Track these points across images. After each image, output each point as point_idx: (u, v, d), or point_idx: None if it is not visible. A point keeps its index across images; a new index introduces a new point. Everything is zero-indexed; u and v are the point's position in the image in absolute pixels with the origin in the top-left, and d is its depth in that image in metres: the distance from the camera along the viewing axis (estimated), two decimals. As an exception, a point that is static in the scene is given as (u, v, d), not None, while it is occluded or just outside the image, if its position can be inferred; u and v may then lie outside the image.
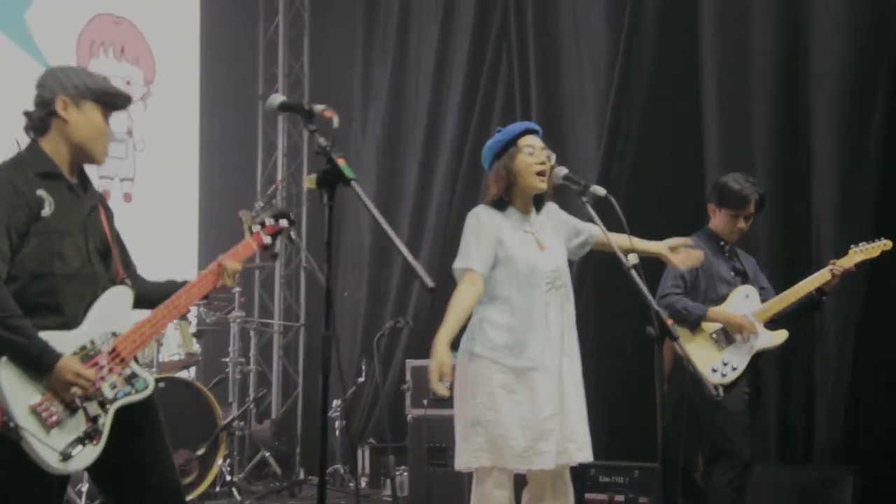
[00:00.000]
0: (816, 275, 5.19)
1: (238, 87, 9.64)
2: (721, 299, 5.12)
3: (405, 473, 6.65)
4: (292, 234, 3.74)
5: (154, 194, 8.55)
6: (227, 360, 7.55)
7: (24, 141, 6.34)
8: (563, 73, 7.81)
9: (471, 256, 4.13)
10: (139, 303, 3.53)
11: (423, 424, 6.40)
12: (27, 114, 3.42)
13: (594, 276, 6.72)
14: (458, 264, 4.19)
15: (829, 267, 5.18)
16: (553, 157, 4.16)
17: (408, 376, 6.82)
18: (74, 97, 3.37)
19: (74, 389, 3.17)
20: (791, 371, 6.38)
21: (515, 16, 8.11)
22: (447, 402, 6.38)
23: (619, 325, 6.55)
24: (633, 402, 6.40)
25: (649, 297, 3.74)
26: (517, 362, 4.07)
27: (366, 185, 8.91)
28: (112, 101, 3.46)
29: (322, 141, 3.07)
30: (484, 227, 4.16)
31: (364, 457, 7.64)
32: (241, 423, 7.28)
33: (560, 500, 4.18)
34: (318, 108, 3.15)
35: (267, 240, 3.64)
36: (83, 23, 8.55)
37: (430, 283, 3.09)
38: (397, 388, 7.25)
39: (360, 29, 9.43)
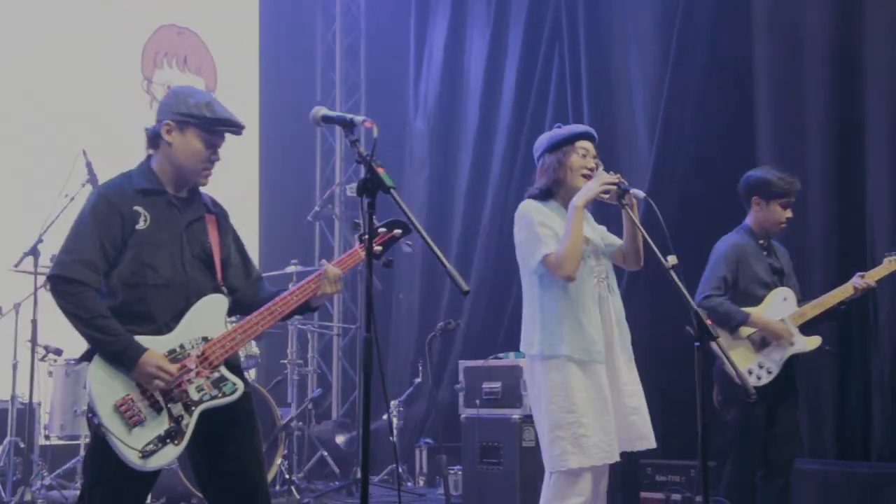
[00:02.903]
0: (840, 289, 5.19)
1: (296, 93, 9.79)
2: (759, 299, 5.14)
3: (459, 473, 6.63)
4: (409, 242, 3.73)
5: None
6: (286, 361, 7.66)
7: (91, 151, 6.42)
8: (613, 76, 7.82)
9: (543, 243, 4.08)
10: (247, 309, 3.62)
11: (475, 424, 6.39)
12: (145, 130, 3.58)
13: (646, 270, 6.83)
14: (534, 258, 4.12)
15: (853, 282, 5.15)
16: (601, 167, 4.17)
17: (461, 377, 6.79)
18: (179, 122, 3.49)
19: (157, 382, 3.25)
20: (848, 368, 6.34)
21: (567, 19, 8.12)
22: (499, 402, 6.40)
23: (676, 321, 6.55)
24: (689, 400, 6.42)
25: (688, 296, 3.74)
26: (584, 356, 4.06)
27: (419, 188, 9.01)
28: (215, 128, 3.54)
29: (361, 149, 3.13)
30: (541, 212, 4.16)
31: (422, 456, 7.71)
32: (300, 424, 7.38)
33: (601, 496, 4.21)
34: (358, 118, 3.20)
35: (378, 248, 3.65)
36: (148, 34, 8.75)
37: (465, 287, 3.10)
38: (453, 389, 7.21)
39: (413, 33, 9.54)
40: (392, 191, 3.09)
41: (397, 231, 3.68)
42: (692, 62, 7.23)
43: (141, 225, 3.42)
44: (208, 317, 3.49)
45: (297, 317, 7.02)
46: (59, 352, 6.77)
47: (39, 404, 6.79)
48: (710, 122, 7.11)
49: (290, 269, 7.46)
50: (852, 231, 6.43)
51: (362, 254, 3.57)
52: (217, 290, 3.56)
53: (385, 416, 7.94)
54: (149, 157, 3.57)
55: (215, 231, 3.60)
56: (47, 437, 6.89)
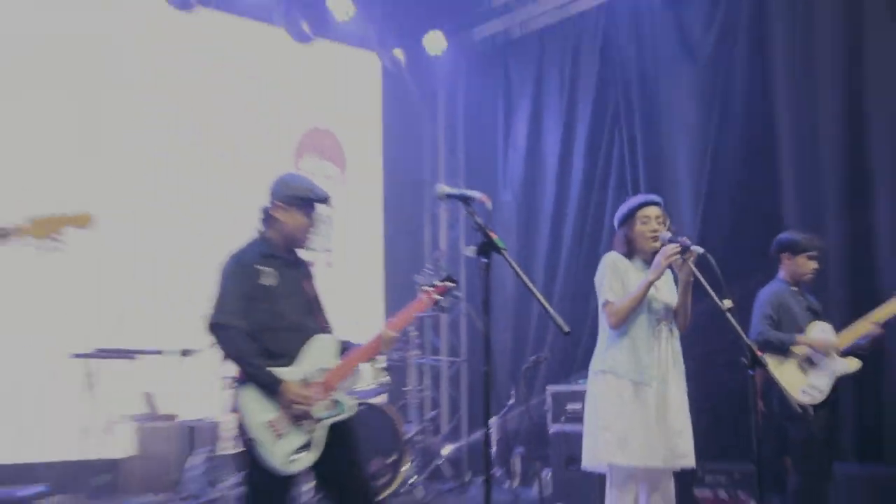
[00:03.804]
0: (856, 327, 5.08)
1: (410, 172, 9.81)
2: (801, 331, 5.06)
3: (548, 476, 6.60)
4: (456, 292, 3.87)
5: (348, 261, 8.72)
6: (407, 388, 7.65)
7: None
8: (664, 156, 7.82)
9: (610, 290, 4.12)
10: None
11: (561, 437, 6.42)
12: (260, 209, 3.69)
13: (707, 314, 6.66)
14: (600, 299, 4.14)
15: (866, 323, 5.07)
16: (668, 222, 4.17)
17: (548, 399, 6.80)
18: (284, 204, 3.60)
19: (298, 405, 3.35)
20: (864, 382, 6.12)
21: (625, 112, 8.16)
22: (581, 419, 6.39)
23: (727, 356, 6.39)
24: (733, 416, 6.37)
25: (742, 333, 3.73)
26: (637, 377, 4.04)
27: (507, 250, 8.91)
28: (314, 205, 3.65)
29: (479, 220, 3.16)
30: (618, 265, 4.18)
31: (516, 462, 7.62)
32: (421, 437, 7.39)
33: (666, 496, 4.12)
34: (476, 194, 3.23)
35: (437, 297, 3.74)
36: (298, 133, 8.93)
37: (566, 328, 3.11)
38: (540, 408, 7.26)
39: (500, 123, 9.51)
40: (503, 251, 3.10)
41: (449, 283, 3.76)
42: (729, 143, 7.28)
43: (270, 282, 3.50)
44: (324, 352, 3.54)
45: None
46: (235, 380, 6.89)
47: (220, 422, 6.77)
48: (744, 193, 7.13)
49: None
50: (863, 275, 6.38)
51: (427, 302, 3.72)
52: (326, 331, 3.63)
53: (485, 431, 7.91)
54: (261, 231, 3.66)
55: (312, 286, 3.71)
56: (230, 447, 6.64)
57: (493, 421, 7.64)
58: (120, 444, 6.67)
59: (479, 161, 9.75)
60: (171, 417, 6.98)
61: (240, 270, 3.53)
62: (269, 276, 3.53)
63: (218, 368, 6.23)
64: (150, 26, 7.92)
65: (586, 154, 8.52)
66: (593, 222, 8.33)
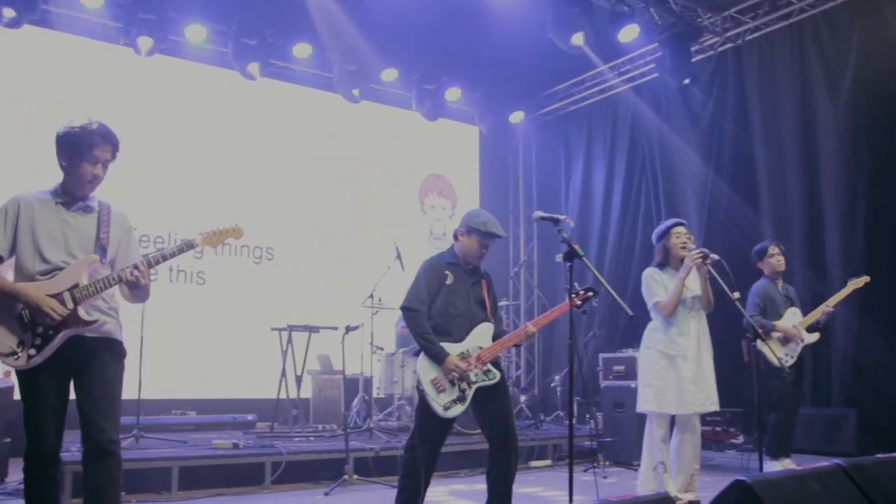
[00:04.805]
0: (816, 311, 5.17)
1: (500, 204, 9.91)
2: (780, 315, 5.16)
3: (600, 416, 6.62)
4: (595, 302, 3.61)
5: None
6: (502, 356, 7.51)
7: (401, 245, 6.54)
8: (676, 191, 8.06)
9: (656, 294, 4.13)
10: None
11: (610, 389, 6.47)
12: (454, 231, 3.59)
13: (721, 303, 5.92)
14: (650, 302, 4.10)
15: (823, 307, 5.17)
16: (692, 238, 4.21)
17: (600, 363, 6.95)
18: (466, 231, 3.51)
19: (453, 373, 3.33)
20: (818, 351, 6.36)
21: (649, 163, 8.39)
22: (623, 377, 6.41)
23: (727, 331, 5.95)
24: (728, 376, 6.34)
25: (748, 317, 3.91)
26: (668, 352, 4.08)
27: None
28: (487, 236, 3.49)
29: (565, 234, 3.15)
30: (655, 278, 4.17)
31: (575, 406, 7.05)
32: (509, 388, 6.77)
33: (693, 432, 4.17)
34: (562, 217, 3.22)
35: (578, 303, 3.51)
36: (423, 178, 9.34)
37: (630, 312, 3.13)
38: (594, 369, 7.36)
39: (562, 170, 9.63)
40: (583, 258, 3.09)
41: (591, 293, 3.58)
42: (721, 183, 7.50)
43: (448, 281, 3.45)
44: (482, 335, 3.46)
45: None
46: (381, 348, 7.00)
47: (372, 376, 6.86)
48: (734, 213, 7.29)
49: (502, 303, 7.35)
50: (818, 271, 6.54)
51: (570, 306, 3.38)
52: (487, 320, 3.52)
53: (553, 385, 7.81)
54: (452, 245, 3.59)
55: (485, 288, 3.60)
56: (377, 393, 7.09)
57: (560, 377, 7.68)
58: (305, 389, 6.76)
59: (547, 196, 9.90)
60: (339, 372, 7.00)
61: (431, 271, 3.48)
62: (449, 278, 3.47)
63: (369, 340, 6.69)
64: (327, 115, 8.61)
65: (623, 191, 8.69)
66: (628, 237, 8.51)
